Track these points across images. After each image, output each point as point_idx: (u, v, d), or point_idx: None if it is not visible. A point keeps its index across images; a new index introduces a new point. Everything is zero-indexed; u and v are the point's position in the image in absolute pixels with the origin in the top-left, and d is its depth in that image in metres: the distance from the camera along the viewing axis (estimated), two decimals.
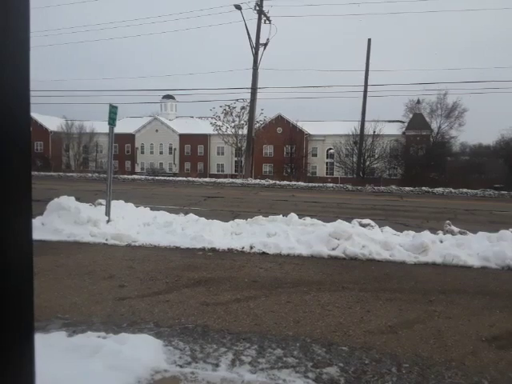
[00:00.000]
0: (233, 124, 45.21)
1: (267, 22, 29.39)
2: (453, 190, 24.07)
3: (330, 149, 52.41)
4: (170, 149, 61.22)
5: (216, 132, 47.77)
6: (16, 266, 0.87)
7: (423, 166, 37.98)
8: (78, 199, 8.21)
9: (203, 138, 58.94)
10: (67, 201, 7.75)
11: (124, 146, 60.12)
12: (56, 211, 7.48)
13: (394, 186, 26.48)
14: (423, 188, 24.67)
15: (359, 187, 26.02)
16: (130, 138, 60.07)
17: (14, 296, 0.87)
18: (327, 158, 54.79)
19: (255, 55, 29.82)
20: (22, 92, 0.87)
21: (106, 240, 6.86)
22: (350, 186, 26.51)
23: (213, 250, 6.48)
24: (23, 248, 0.89)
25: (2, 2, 0.80)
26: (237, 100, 41.28)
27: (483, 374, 2.83)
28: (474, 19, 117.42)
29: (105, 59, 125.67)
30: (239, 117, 44.36)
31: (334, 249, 6.39)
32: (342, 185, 28.21)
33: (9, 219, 0.85)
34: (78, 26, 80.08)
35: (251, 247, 6.54)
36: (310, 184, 27.50)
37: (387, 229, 7.75)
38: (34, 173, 30.33)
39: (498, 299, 4.50)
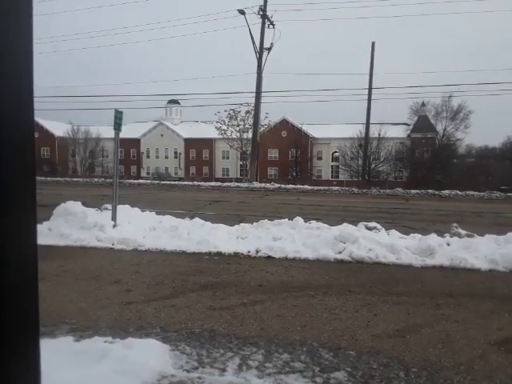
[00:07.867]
0: (238, 128, 45.37)
1: (271, 26, 29.52)
2: (459, 193, 23.89)
3: (335, 152, 52.36)
4: (176, 153, 61.49)
5: (221, 136, 47.95)
6: (21, 268, 0.87)
7: (429, 169, 37.83)
8: (84, 204, 8.25)
9: (208, 143, 59.14)
10: (74, 206, 7.80)
11: (130, 151, 60.50)
12: (63, 216, 7.53)
13: (399, 189, 26.30)
14: (429, 190, 24.49)
15: (365, 190, 25.88)
16: (135, 142, 60.42)
17: (19, 299, 0.87)
18: (332, 161, 54.74)
19: (259, 59, 29.90)
20: (26, 95, 0.87)
21: (113, 245, 6.88)
22: (355, 189, 26.39)
23: (219, 254, 6.48)
24: (28, 251, 0.89)
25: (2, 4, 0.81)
26: (241, 104, 41.52)
27: (492, 378, 2.80)
28: (483, 22, 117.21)
29: (112, 65, 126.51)
30: (244, 121, 44.53)
31: (340, 252, 6.37)
32: (347, 188, 28.07)
33: (13, 222, 0.86)
34: (85, 33, 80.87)
35: (257, 251, 6.53)
36: (316, 187, 27.40)
37: (393, 232, 7.71)
38: (40, 178, 30.54)
39: (507, 302, 4.45)
